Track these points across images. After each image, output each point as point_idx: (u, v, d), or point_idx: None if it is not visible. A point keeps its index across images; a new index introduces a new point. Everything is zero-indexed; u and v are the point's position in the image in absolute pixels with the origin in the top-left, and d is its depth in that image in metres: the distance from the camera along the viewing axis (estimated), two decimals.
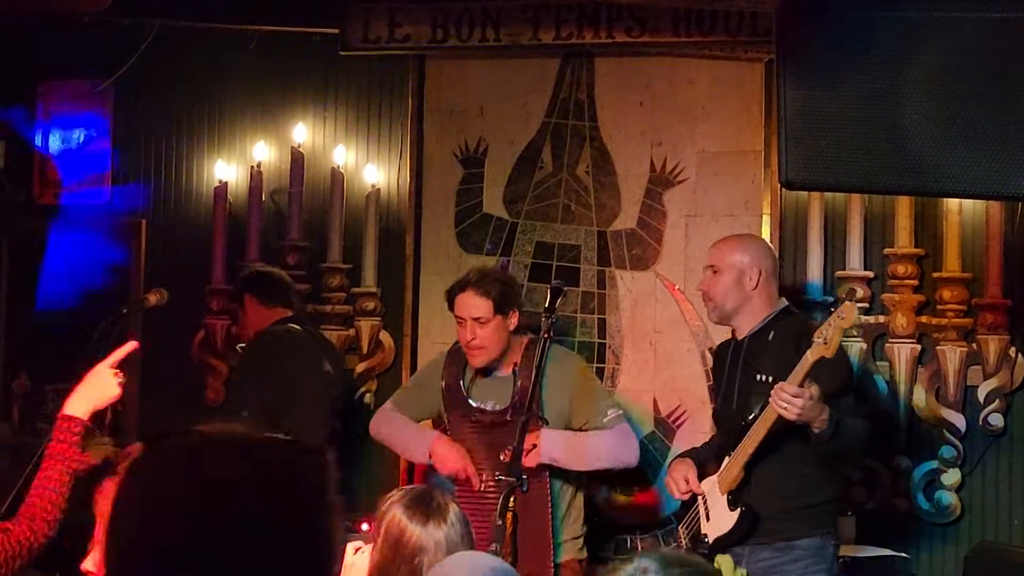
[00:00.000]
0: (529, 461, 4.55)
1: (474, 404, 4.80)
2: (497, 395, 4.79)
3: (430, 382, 4.98)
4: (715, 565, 3.49)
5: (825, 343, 4.03)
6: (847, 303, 4.14)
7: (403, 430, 4.98)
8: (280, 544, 1.47)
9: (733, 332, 4.65)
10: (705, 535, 4.48)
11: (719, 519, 4.44)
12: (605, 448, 4.77)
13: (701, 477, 4.51)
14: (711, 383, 5.51)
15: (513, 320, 4.76)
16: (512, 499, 4.07)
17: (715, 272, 4.54)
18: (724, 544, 4.39)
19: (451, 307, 4.79)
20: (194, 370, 5.98)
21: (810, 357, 4.05)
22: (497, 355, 4.76)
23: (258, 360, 5.29)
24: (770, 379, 4.29)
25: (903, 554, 5.03)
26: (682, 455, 4.74)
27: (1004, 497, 5.22)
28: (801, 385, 4.07)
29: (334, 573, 1.54)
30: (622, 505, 5.55)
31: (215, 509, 1.47)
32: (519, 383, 4.66)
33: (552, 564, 4.74)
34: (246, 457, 1.52)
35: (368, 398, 5.84)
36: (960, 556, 4.98)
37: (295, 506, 1.51)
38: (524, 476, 4.21)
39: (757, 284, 4.50)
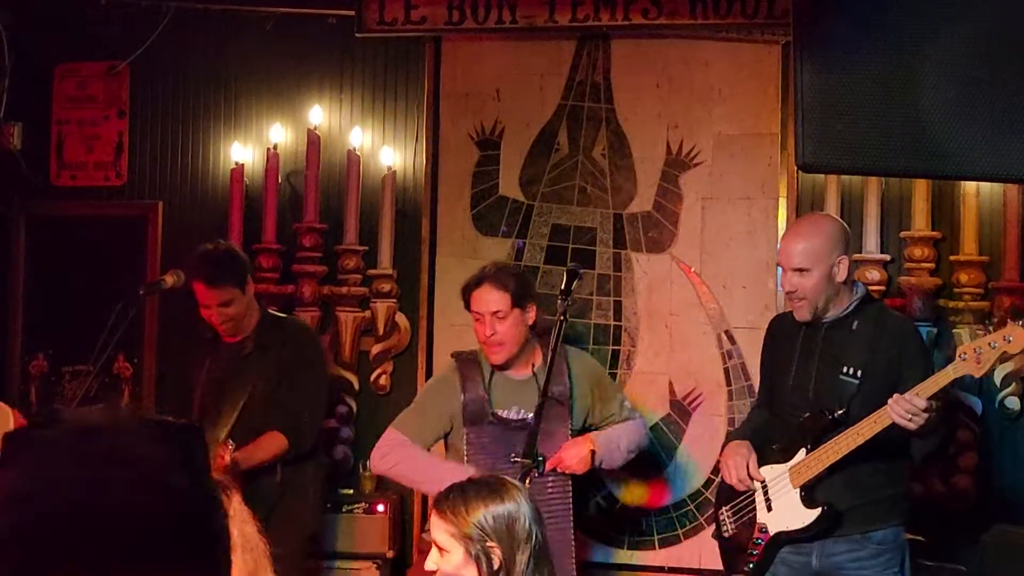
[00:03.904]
0: (580, 467, 4.57)
1: (501, 414, 4.69)
2: (520, 400, 4.68)
3: (439, 403, 4.75)
4: None
5: (978, 363, 3.85)
6: (1018, 326, 3.87)
7: (432, 465, 4.63)
8: (174, 529, 1.38)
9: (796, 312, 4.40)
10: (764, 525, 4.34)
11: (787, 513, 4.29)
12: (634, 440, 4.81)
13: (760, 462, 4.37)
14: (727, 364, 5.52)
15: (531, 315, 4.68)
16: (528, 481, 4.06)
17: (803, 272, 4.26)
18: (790, 539, 4.28)
19: (467, 305, 4.69)
20: None
21: (952, 373, 3.91)
22: (516, 351, 4.68)
23: (318, 353, 5.34)
24: (857, 373, 4.20)
25: (961, 567, 4.90)
26: (736, 438, 4.56)
27: (1021, 481, 5.21)
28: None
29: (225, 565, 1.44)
30: (638, 491, 5.55)
31: (98, 496, 1.35)
32: (543, 385, 4.64)
33: (573, 561, 4.73)
34: (127, 441, 1.41)
35: (384, 380, 5.85)
36: (976, 540, 4.97)
37: (186, 491, 1.40)
38: (541, 458, 4.21)
39: (847, 274, 4.29)
